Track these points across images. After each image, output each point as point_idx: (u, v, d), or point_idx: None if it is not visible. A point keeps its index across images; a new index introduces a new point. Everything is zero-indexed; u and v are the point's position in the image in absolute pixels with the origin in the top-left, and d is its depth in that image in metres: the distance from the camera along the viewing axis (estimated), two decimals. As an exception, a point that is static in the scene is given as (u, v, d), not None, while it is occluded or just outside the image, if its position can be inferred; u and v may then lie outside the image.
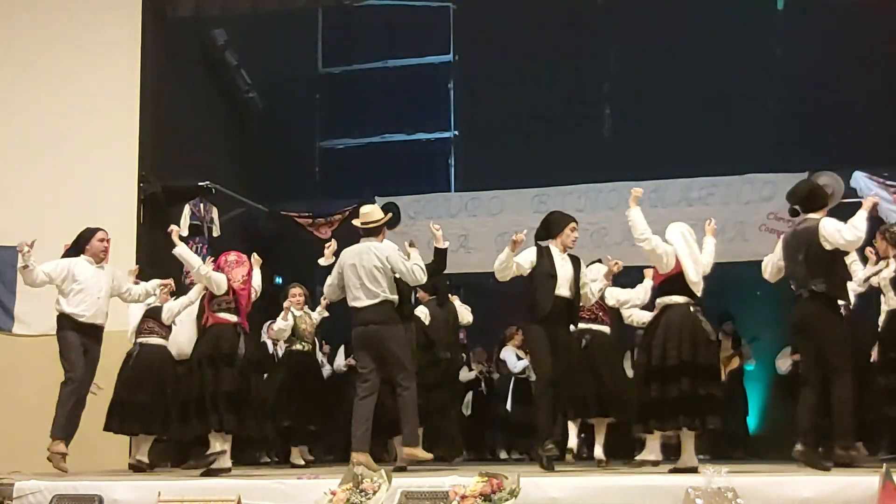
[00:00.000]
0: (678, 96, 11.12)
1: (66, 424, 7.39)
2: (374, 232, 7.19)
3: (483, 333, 10.84)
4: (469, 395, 10.53)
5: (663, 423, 6.30)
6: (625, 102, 11.97)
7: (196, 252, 9.75)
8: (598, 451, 7.63)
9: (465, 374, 10.44)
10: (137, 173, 9.43)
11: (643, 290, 7.50)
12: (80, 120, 9.56)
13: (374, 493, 5.30)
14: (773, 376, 10.25)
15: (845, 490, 5.16)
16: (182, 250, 7.34)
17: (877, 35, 10.28)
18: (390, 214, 7.45)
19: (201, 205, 10.05)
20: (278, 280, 11.15)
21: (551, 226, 6.98)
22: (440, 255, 7.63)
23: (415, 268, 7.07)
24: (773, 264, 6.64)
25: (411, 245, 7.75)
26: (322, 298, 8.20)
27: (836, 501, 5.11)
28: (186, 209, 9.92)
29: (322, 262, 7.68)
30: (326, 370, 10.24)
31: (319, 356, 10.28)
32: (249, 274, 7.33)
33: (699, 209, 10.77)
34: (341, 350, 10.39)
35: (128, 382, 7.95)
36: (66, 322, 7.53)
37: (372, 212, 7.30)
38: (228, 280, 7.13)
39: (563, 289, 6.78)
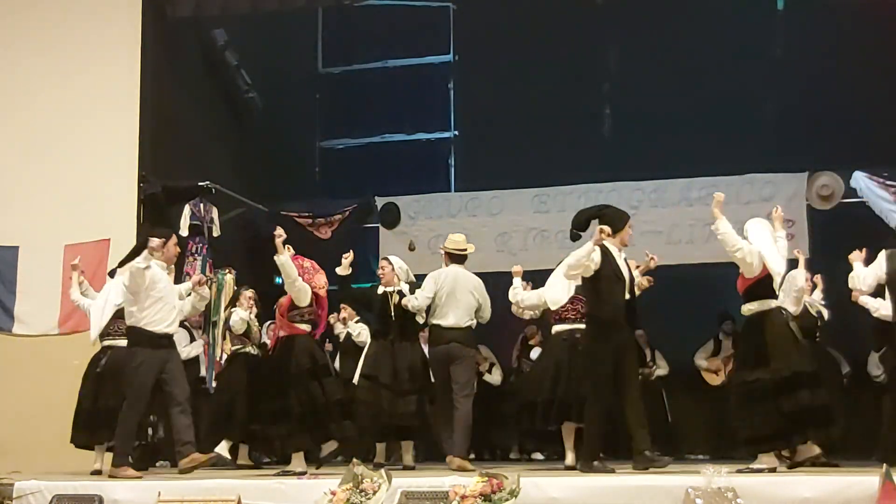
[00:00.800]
0: (678, 96, 11.10)
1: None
2: (463, 259, 7.81)
3: (484, 333, 10.80)
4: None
5: (793, 437, 6.13)
6: (625, 102, 11.94)
7: (196, 252, 9.77)
8: (570, 458, 7.31)
9: None
10: (137, 173, 9.42)
11: None
12: (80, 120, 9.55)
13: (374, 493, 5.30)
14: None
15: (845, 490, 5.16)
16: (285, 259, 7.04)
17: (877, 35, 10.27)
18: (472, 246, 7.96)
19: (201, 205, 10.03)
20: (278, 280, 11.12)
21: (613, 221, 6.63)
22: None
23: (488, 308, 7.77)
24: (874, 276, 6.57)
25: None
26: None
27: (836, 501, 5.12)
28: (186, 209, 9.90)
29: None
30: None
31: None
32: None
33: (699, 209, 10.77)
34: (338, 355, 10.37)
35: (99, 389, 7.55)
36: (139, 337, 6.89)
37: (463, 240, 7.90)
38: (312, 288, 7.12)
39: (626, 291, 6.55)
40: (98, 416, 7.55)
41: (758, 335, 6.26)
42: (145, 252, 6.87)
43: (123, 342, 7.48)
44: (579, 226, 6.76)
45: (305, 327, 7.14)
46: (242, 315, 8.40)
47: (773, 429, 6.09)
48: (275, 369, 7.16)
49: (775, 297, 6.35)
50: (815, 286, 8.08)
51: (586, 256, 6.40)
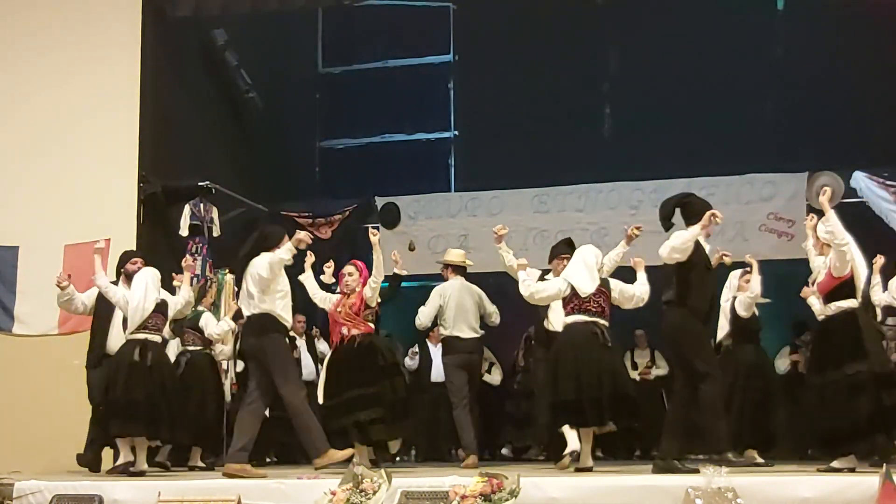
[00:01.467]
0: (678, 96, 11.11)
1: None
2: (465, 270, 8.51)
3: (485, 332, 10.80)
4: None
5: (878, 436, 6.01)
6: (625, 102, 11.95)
7: (196, 252, 9.76)
8: (588, 459, 6.90)
9: None
10: (137, 173, 9.41)
11: (643, 287, 7.06)
12: (80, 120, 9.55)
13: (374, 493, 5.30)
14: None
15: (845, 490, 5.17)
16: (381, 260, 7.28)
17: (877, 35, 10.27)
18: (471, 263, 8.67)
19: (201, 205, 10.02)
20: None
21: (697, 210, 6.38)
22: (396, 281, 7.91)
23: (496, 312, 8.51)
24: None
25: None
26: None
27: (836, 501, 5.12)
28: (186, 209, 9.89)
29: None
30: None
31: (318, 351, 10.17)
32: None
33: (699, 209, 10.75)
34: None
35: (139, 381, 7.27)
36: (277, 324, 6.81)
37: (463, 254, 8.68)
38: None
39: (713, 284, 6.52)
40: (138, 409, 7.23)
41: (851, 331, 6.18)
42: (289, 244, 6.77)
43: (157, 338, 7.49)
44: (667, 216, 6.52)
45: (373, 325, 7.39)
46: (232, 325, 8.32)
47: (866, 425, 5.98)
48: (358, 363, 7.19)
49: (856, 298, 6.31)
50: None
51: (692, 239, 6.25)
